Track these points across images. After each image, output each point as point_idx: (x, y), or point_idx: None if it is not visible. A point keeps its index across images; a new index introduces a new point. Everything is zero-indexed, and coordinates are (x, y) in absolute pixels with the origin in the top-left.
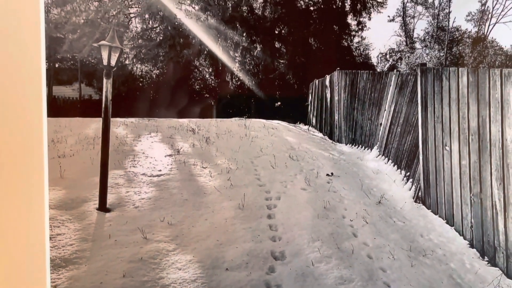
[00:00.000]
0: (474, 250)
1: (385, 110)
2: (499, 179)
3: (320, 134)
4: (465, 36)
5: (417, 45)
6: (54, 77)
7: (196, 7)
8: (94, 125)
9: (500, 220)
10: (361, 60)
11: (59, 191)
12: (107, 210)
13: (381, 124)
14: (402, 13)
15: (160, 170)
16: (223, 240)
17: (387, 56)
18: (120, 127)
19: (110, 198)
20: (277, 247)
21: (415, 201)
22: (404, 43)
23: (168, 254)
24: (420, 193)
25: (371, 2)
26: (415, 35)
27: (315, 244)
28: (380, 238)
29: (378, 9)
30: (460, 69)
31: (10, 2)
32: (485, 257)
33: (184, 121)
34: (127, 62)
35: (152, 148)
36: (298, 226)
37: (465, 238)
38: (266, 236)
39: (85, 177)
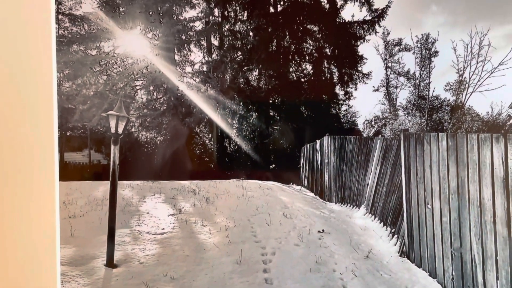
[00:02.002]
0: None
1: (371, 171)
2: (478, 235)
3: (312, 194)
4: (444, 104)
5: (400, 113)
6: (66, 144)
7: (197, 80)
8: (102, 187)
9: (479, 272)
10: (349, 126)
11: (69, 249)
12: (114, 266)
13: (368, 184)
14: (385, 84)
15: (163, 229)
16: None
17: (373, 122)
18: (127, 189)
19: (117, 255)
20: None
21: (400, 255)
22: (388, 110)
23: None
24: (404, 248)
25: (357, 74)
26: (398, 104)
27: None
28: None
29: (363, 80)
30: (440, 134)
31: (26, 77)
32: None
33: (186, 183)
34: (133, 130)
35: (156, 208)
36: (292, 280)
37: None
38: None
39: (94, 236)
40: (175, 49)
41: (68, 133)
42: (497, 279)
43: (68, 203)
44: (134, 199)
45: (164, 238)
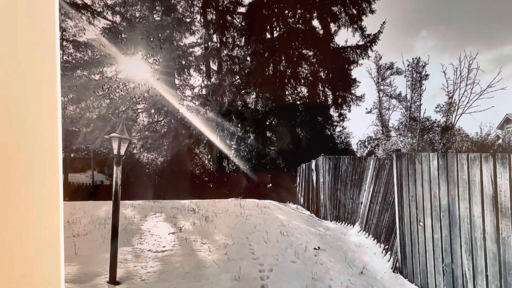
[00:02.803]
0: None
1: (365, 190)
2: (468, 251)
3: (308, 212)
4: (435, 125)
5: (392, 133)
6: (70, 165)
7: (197, 103)
8: (105, 207)
9: (470, 287)
10: (343, 147)
11: (73, 267)
12: (117, 283)
13: (361, 202)
14: (378, 106)
15: (164, 247)
16: None
17: (366, 143)
18: (129, 208)
19: (120, 272)
20: None
21: (394, 271)
22: (381, 131)
23: None
24: (398, 264)
25: (350, 96)
26: (390, 125)
27: None
28: None
29: (357, 103)
30: (431, 154)
31: (32, 101)
32: None
33: (186, 202)
34: (135, 151)
35: (157, 227)
36: None
37: None
38: None
39: (97, 254)
40: (176, 73)
41: (72, 155)
42: None
43: (72, 222)
44: (136, 218)
45: (165, 255)
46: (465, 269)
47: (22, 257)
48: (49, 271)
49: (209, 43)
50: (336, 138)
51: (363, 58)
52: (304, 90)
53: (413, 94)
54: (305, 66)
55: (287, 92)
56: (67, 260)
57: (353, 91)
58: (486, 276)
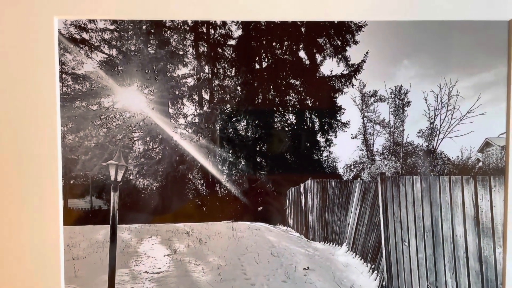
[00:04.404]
0: None
1: (351, 212)
2: (452, 269)
3: (297, 234)
4: (417, 149)
5: (377, 158)
6: (69, 191)
7: (190, 130)
8: (103, 231)
9: None
10: (330, 171)
11: None
12: None
13: (348, 224)
14: (363, 132)
15: (159, 268)
16: None
17: (352, 167)
18: (126, 232)
19: None
20: None
21: None
22: (366, 156)
23: None
24: (384, 283)
25: (336, 123)
26: (374, 149)
27: None
28: None
29: (342, 129)
30: (414, 176)
31: (33, 131)
32: None
33: (180, 225)
34: (131, 177)
35: (153, 249)
36: None
37: None
38: None
39: (95, 276)
40: (169, 103)
41: (71, 182)
42: None
43: (72, 245)
44: (133, 241)
45: (161, 277)
46: (449, 287)
47: (24, 278)
48: None
49: (201, 74)
50: (323, 162)
51: (347, 87)
52: (292, 117)
53: (396, 120)
54: (293, 94)
55: (275, 119)
56: (67, 282)
57: (338, 118)
58: None
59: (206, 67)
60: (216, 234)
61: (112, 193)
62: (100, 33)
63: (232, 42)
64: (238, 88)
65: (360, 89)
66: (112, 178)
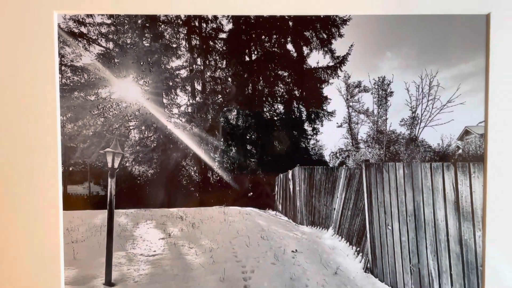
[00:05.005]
0: None
1: (337, 197)
2: (433, 252)
3: (286, 218)
4: (400, 137)
5: (361, 145)
6: (69, 178)
7: (183, 120)
8: (101, 215)
9: (436, 285)
10: (317, 158)
11: (72, 270)
12: (112, 285)
13: (334, 209)
14: (348, 121)
15: (154, 251)
16: None
17: (337, 154)
18: (122, 216)
19: (114, 275)
20: None
21: (365, 271)
22: (351, 144)
23: None
24: (368, 265)
25: (322, 112)
26: (359, 138)
27: None
28: None
29: (328, 118)
30: (397, 163)
31: (34, 121)
32: None
33: (174, 210)
34: (127, 164)
35: (148, 233)
36: None
37: None
38: None
39: (94, 258)
40: (164, 93)
41: (70, 169)
42: None
43: (71, 229)
44: (129, 225)
45: (156, 259)
46: (431, 268)
47: (26, 262)
48: (50, 274)
49: (194, 66)
50: (310, 150)
51: (333, 78)
52: (280, 107)
53: (379, 110)
54: (281, 85)
55: (265, 109)
56: (66, 264)
57: (325, 108)
58: (451, 275)
59: (199, 59)
60: (208, 218)
61: (109, 180)
62: (97, 27)
63: (223, 35)
64: (229, 79)
65: (345, 80)
66: (109, 165)
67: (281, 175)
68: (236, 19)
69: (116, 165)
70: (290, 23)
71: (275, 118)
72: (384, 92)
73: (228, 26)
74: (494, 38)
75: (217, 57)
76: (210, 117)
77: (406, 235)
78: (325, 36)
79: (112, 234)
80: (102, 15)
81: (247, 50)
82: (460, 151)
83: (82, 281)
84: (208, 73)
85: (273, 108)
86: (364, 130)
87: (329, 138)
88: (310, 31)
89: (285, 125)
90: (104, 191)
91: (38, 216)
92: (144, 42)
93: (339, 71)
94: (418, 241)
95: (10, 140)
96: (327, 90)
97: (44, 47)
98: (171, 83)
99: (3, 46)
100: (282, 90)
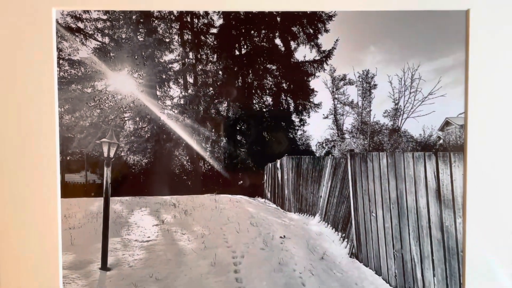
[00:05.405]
0: None
1: (323, 185)
2: (416, 238)
3: (274, 205)
4: (383, 128)
5: (347, 136)
6: (66, 167)
7: (176, 111)
8: (97, 203)
9: (418, 270)
10: (304, 148)
11: (70, 255)
12: (108, 269)
13: (321, 196)
14: (333, 112)
15: (149, 237)
16: None
17: (324, 144)
18: (118, 204)
19: (110, 260)
20: None
21: (350, 257)
22: (336, 134)
23: None
24: (354, 250)
25: (309, 104)
26: (344, 128)
27: None
28: (324, 286)
29: (315, 109)
30: (380, 153)
31: (33, 112)
32: None
33: (167, 198)
34: (122, 154)
35: (142, 219)
36: (258, 278)
37: (391, 285)
38: (233, 287)
39: (90, 244)
40: (157, 86)
41: (68, 158)
42: (433, 276)
43: (69, 216)
44: (124, 212)
45: (150, 245)
46: (413, 254)
47: (25, 248)
48: (48, 259)
49: (186, 59)
50: (297, 140)
51: (319, 71)
52: (269, 99)
53: (363, 102)
54: (270, 78)
55: (254, 101)
56: (64, 250)
57: (311, 100)
58: (432, 260)
59: (191, 53)
60: (200, 206)
61: (105, 168)
62: (94, 23)
63: (214, 30)
64: (220, 72)
65: (331, 73)
66: (105, 154)
67: (270, 164)
68: (226, 15)
69: (111, 155)
70: (278, 19)
71: (264, 110)
72: (368, 85)
73: (219, 22)
74: (473, 33)
75: (208, 51)
76: (201, 109)
77: (389, 222)
78: (311, 31)
79: (108, 221)
80: (98, 11)
81: (237, 45)
82: (441, 141)
83: (79, 266)
84: (200, 67)
85: (262, 100)
86: (349, 121)
87: (316, 129)
88: (297, 26)
89: (274, 116)
90: (100, 179)
91: (37, 203)
92: (138, 36)
93: (325, 65)
94: (401, 227)
95: (10, 131)
96: (313, 83)
97: (43, 42)
98: (164, 76)
99: (3, 41)
100: (271, 83)
